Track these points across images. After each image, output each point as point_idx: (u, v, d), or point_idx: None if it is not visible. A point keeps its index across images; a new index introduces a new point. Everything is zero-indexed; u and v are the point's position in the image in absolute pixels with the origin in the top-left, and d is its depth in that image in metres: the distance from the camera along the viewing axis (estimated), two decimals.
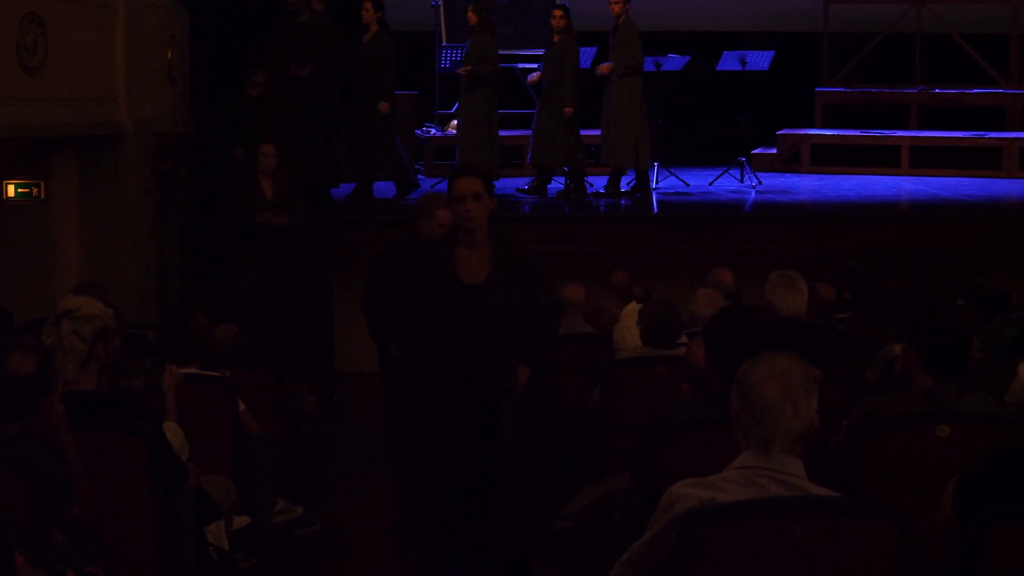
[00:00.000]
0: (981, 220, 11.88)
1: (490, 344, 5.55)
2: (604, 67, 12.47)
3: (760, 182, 13.56)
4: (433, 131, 14.43)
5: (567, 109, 12.25)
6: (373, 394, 8.67)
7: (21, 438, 4.42)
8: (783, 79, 14.56)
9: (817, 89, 15.64)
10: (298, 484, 7.40)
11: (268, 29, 11.43)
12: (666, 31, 15.25)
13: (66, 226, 9.92)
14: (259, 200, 9.47)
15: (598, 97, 12.69)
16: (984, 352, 6.42)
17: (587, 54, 13.03)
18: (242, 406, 6.45)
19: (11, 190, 9.64)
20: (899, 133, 14.98)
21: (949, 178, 14.14)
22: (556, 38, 12.39)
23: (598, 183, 12.88)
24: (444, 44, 13.81)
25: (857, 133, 15.03)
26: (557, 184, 12.87)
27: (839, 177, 14.33)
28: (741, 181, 13.57)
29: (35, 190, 9.71)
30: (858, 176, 14.33)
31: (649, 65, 13.04)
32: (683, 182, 13.42)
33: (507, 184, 12.77)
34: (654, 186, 13.13)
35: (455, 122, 13.18)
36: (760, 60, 13.55)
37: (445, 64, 13.54)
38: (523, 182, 12.87)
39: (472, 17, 12.15)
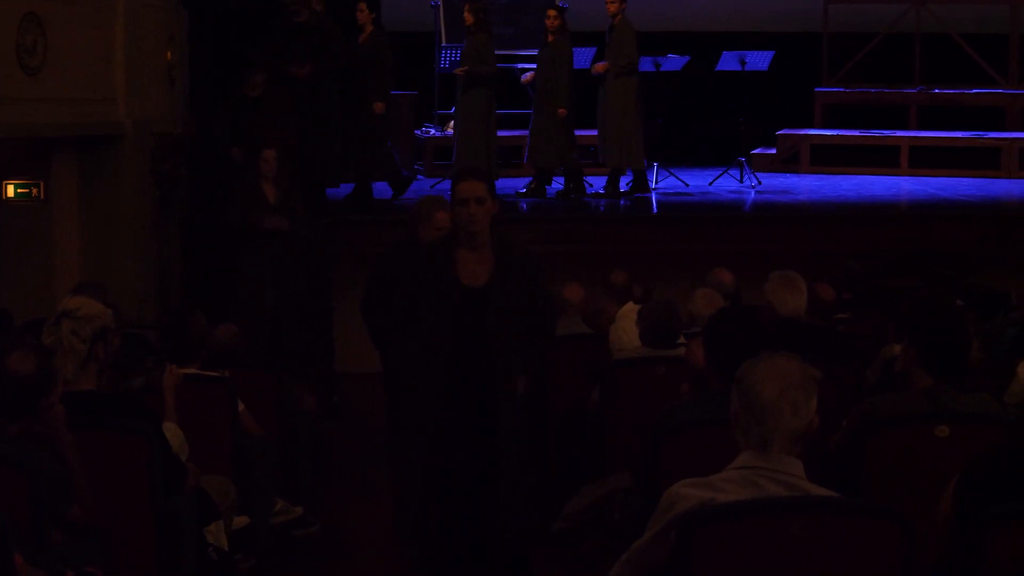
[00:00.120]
0: (980, 220, 11.88)
1: (491, 345, 5.54)
2: (599, 66, 12.47)
3: (759, 182, 13.56)
4: (432, 131, 14.43)
5: (560, 110, 12.25)
6: (373, 394, 8.67)
7: (21, 438, 4.42)
8: (782, 79, 14.55)
9: (816, 89, 15.64)
10: (297, 484, 7.40)
11: (266, 29, 11.43)
12: (665, 31, 15.26)
13: (66, 226, 9.92)
14: (261, 204, 9.45)
15: (595, 97, 12.68)
16: (984, 352, 6.42)
17: (587, 54, 13.03)
18: (242, 406, 6.45)
19: (11, 190, 9.64)
20: (898, 133, 14.99)
21: (948, 178, 14.14)
22: (550, 38, 12.41)
23: (597, 183, 12.88)
24: (444, 44, 13.82)
25: (856, 133, 15.03)
26: (557, 184, 12.88)
27: (838, 177, 14.34)
28: (741, 181, 13.57)
29: (35, 190, 9.70)
30: (857, 176, 14.33)
31: (648, 65, 13.04)
32: (683, 182, 13.42)
33: (506, 184, 12.77)
34: (653, 186, 13.14)
35: (454, 123, 13.19)
36: (759, 60, 13.55)
37: (444, 64, 13.55)
38: (522, 182, 12.87)
39: (468, 17, 12.16)
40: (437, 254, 5.67)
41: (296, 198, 9.66)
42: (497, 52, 13.26)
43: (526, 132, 12.88)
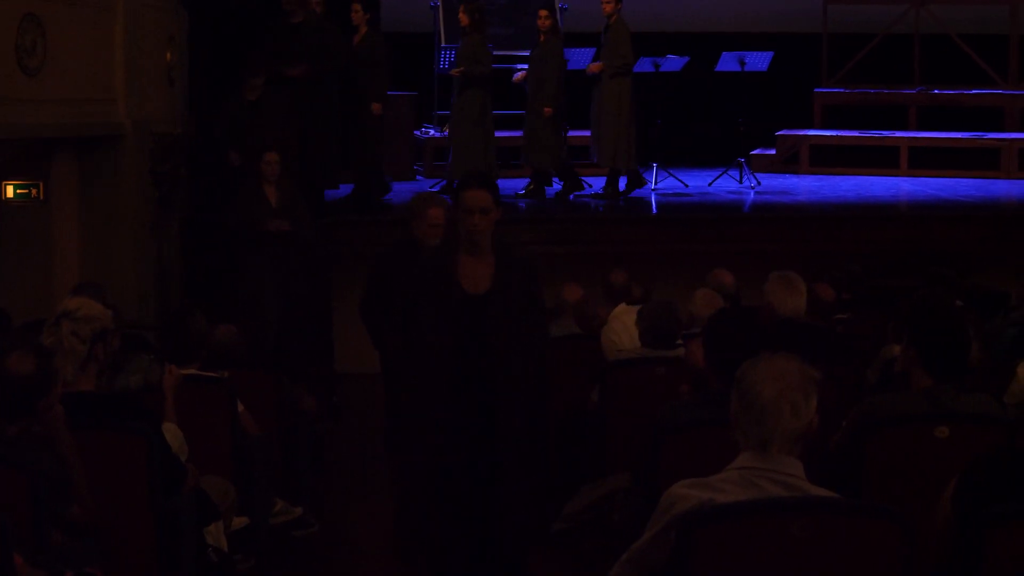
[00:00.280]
0: (980, 221, 11.89)
1: (491, 349, 5.52)
2: (595, 66, 12.47)
3: (759, 183, 13.56)
4: (432, 132, 14.43)
5: (546, 109, 12.26)
6: (372, 395, 8.66)
7: (20, 439, 4.42)
8: (782, 80, 14.56)
9: (816, 90, 15.64)
10: (297, 485, 7.40)
11: (264, 30, 11.42)
12: (665, 32, 15.27)
13: (65, 227, 9.91)
14: (263, 207, 9.44)
15: (592, 97, 12.68)
16: (983, 352, 6.41)
17: (586, 54, 13.03)
18: (241, 407, 6.45)
19: (10, 191, 9.63)
20: (898, 134, 14.98)
21: (948, 179, 14.14)
22: (542, 38, 12.42)
23: (597, 184, 12.87)
24: (443, 45, 13.82)
25: (856, 134, 15.03)
26: (557, 185, 12.88)
27: (838, 178, 14.34)
28: (740, 182, 13.57)
29: (34, 191, 9.69)
30: (857, 177, 14.33)
31: (648, 66, 13.04)
32: (682, 183, 13.42)
33: (506, 185, 12.74)
34: (653, 187, 13.14)
35: (449, 124, 13.19)
36: (759, 61, 13.55)
37: (444, 65, 13.55)
38: (522, 183, 12.86)
39: (463, 18, 12.17)
40: (439, 260, 5.64)
41: (298, 200, 9.66)
42: (496, 52, 13.27)
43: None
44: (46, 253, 9.89)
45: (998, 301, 8.20)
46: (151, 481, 4.92)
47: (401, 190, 13.10)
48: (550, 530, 6.55)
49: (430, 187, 12.82)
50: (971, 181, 13.97)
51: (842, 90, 15.69)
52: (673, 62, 13.27)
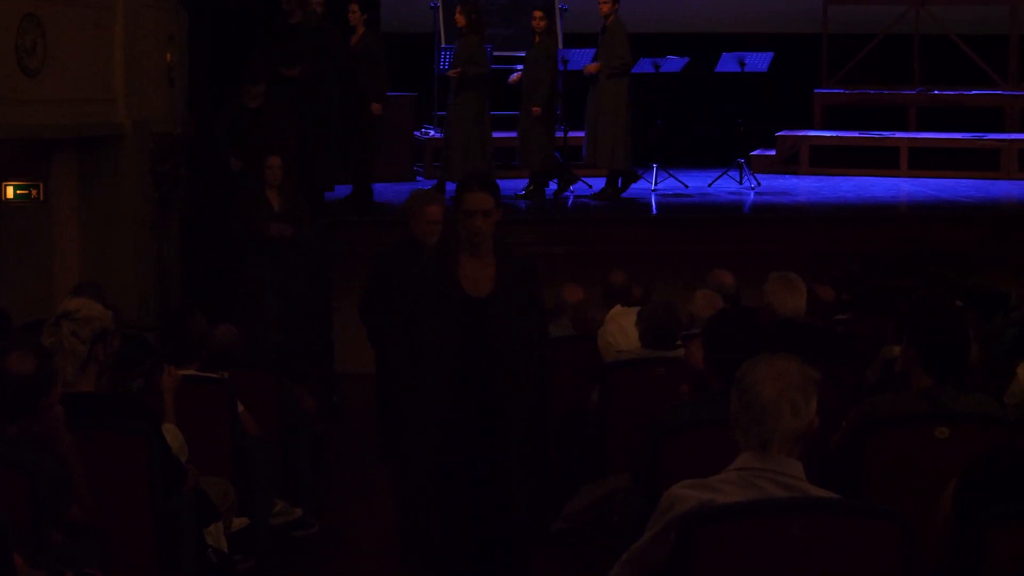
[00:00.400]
0: (980, 221, 11.89)
1: (493, 351, 5.51)
2: (592, 67, 12.47)
3: (759, 183, 13.56)
4: (432, 132, 14.43)
5: (535, 108, 12.26)
6: (372, 395, 8.66)
7: (20, 439, 4.42)
8: (782, 80, 14.56)
9: (816, 90, 15.65)
10: (297, 485, 7.39)
11: (261, 31, 11.40)
12: (665, 33, 15.27)
13: (65, 227, 9.91)
14: (266, 212, 9.42)
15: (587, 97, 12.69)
16: (983, 353, 6.41)
17: (587, 55, 13.02)
18: (241, 407, 6.44)
19: (10, 191, 9.62)
20: (898, 134, 14.99)
21: (948, 179, 14.14)
22: (536, 39, 12.42)
23: (596, 184, 12.87)
24: (443, 46, 13.83)
25: (856, 134, 15.03)
26: (556, 185, 12.89)
27: (838, 178, 14.34)
28: (740, 182, 13.57)
29: (34, 191, 9.69)
30: (857, 177, 14.33)
31: (648, 67, 13.05)
32: (682, 183, 13.42)
33: (505, 186, 12.72)
34: (653, 187, 13.15)
35: (445, 125, 13.19)
36: (759, 61, 13.55)
37: (444, 66, 13.55)
38: (518, 183, 12.86)
39: (460, 19, 12.19)
40: (439, 262, 5.62)
41: (300, 205, 9.63)
42: (496, 53, 13.30)
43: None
44: (46, 253, 9.88)
45: (998, 301, 8.20)
46: (151, 482, 4.92)
47: (401, 191, 13.10)
48: (550, 530, 6.55)
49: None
50: (971, 182, 13.97)
51: (842, 91, 15.70)
52: (673, 63, 13.27)
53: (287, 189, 9.57)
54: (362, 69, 11.81)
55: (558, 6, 14.53)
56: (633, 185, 13.36)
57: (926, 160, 14.61)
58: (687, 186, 13.39)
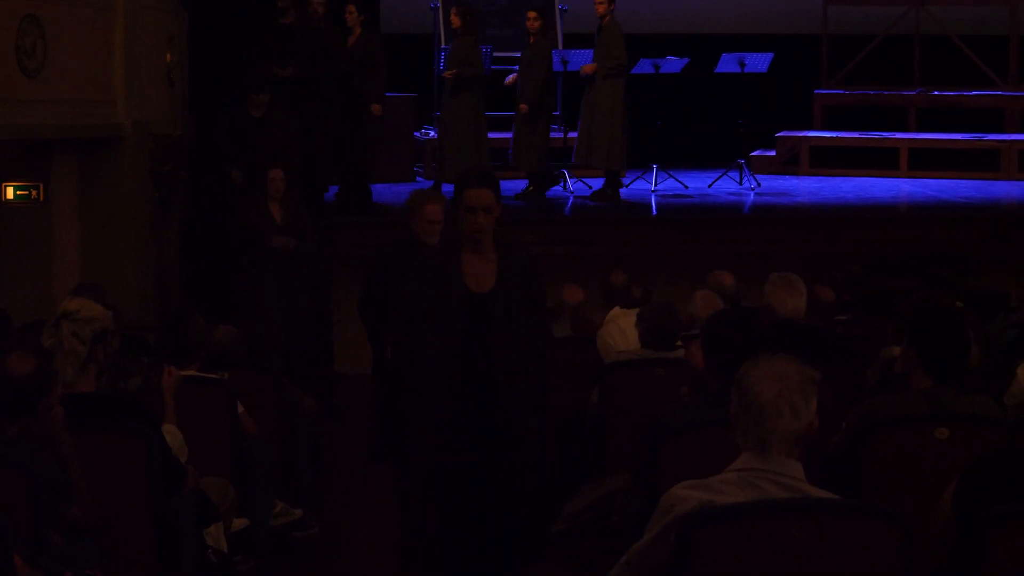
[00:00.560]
0: (980, 222, 11.89)
1: (495, 348, 5.49)
2: (588, 67, 12.47)
3: (759, 184, 13.56)
4: (432, 133, 14.42)
5: (522, 106, 12.26)
6: (371, 396, 8.66)
7: (20, 439, 4.42)
8: (782, 81, 14.56)
9: (816, 91, 15.65)
10: (297, 486, 7.39)
11: (255, 30, 11.36)
12: (665, 33, 15.27)
13: (65, 228, 9.91)
14: (268, 225, 9.39)
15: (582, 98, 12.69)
16: (983, 354, 6.42)
17: (587, 56, 13.02)
18: (241, 408, 6.44)
19: (10, 192, 9.63)
20: (898, 135, 14.99)
21: (948, 180, 14.15)
22: (531, 39, 12.43)
23: (596, 185, 12.87)
24: (443, 46, 13.81)
25: (856, 135, 15.04)
26: (556, 186, 12.90)
27: (838, 179, 14.34)
28: (740, 183, 13.57)
29: (34, 192, 9.70)
30: (857, 178, 14.34)
31: (648, 67, 13.05)
32: (682, 184, 13.43)
33: (504, 187, 12.73)
34: (653, 188, 13.16)
35: (441, 126, 13.18)
36: (759, 62, 13.55)
37: (444, 67, 13.54)
38: (514, 183, 12.86)
39: (455, 20, 12.21)
40: (441, 259, 5.60)
41: (303, 218, 9.58)
42: (496, 54, 13.30)
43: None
44: (46, 254, 9.89)
45: (998, 302, 8.20)
46: (151, 482, 4.92)
47: (401, 191, 13.10)
48: (550, 530, 6.54)
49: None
50: (971, 182, 13.98)
51: (842, 91, 15.70)
52: (673, 63, 13.27)
53: (289, 201, 9.51)
54: (360, 70, 11.81)
55: (558, 7, 14.53)
56: (633, 185, 13.38)
57: (926, 161, 14.61)
58: (687, 187, 13.39)
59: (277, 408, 7.12)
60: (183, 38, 11.12)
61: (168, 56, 10.61)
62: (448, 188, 12.15)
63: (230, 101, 10.87)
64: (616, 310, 7.52)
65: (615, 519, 5.86)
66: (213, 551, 5.61)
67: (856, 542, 3.44)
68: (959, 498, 3.74)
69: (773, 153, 15.13)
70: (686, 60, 13.37)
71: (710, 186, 13.53)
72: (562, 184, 13.18)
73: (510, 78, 12.85)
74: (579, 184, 13.08)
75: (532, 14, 12.39)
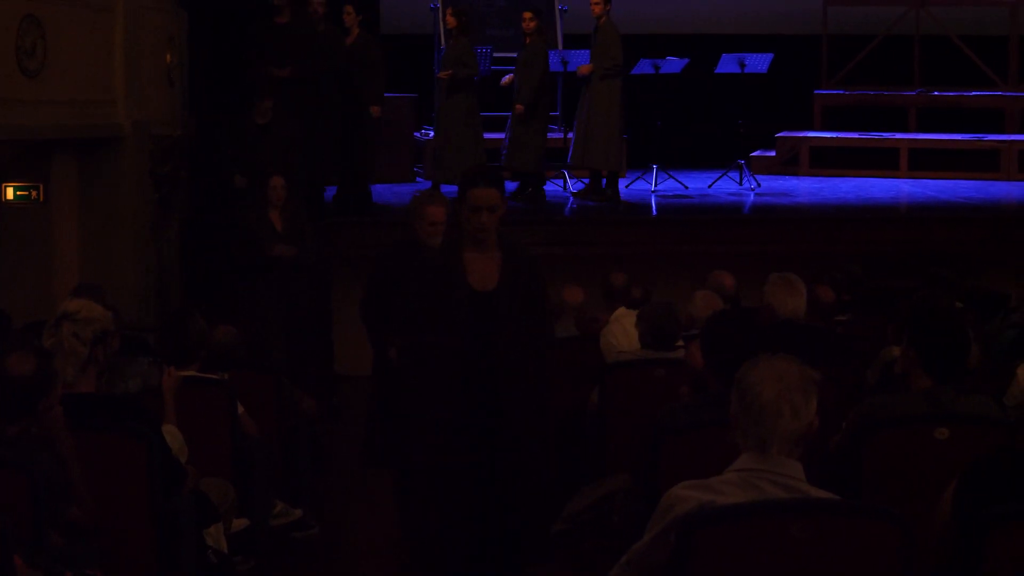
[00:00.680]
0: (980, 222, 11.89)
1: (498, 347, 5.48)
2: (584, 68, 12.46)
3: (759, 184, 13.57)
4: (432, 133, 14.42)
5: (517, 106, 12.27)
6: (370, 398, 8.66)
7: (20, 440, 4.42)
8: (782, 81, 14.57)
9: (816, 91, 15.65)
10: (297, 486, 7.39)
11: (251, 30, 11.34)
12: (665, 34, 15.28)
13: (65, 228, 9.92)
14: (268, 233, 9.36)
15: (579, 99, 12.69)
16: (983, 354, 6.42)
17: (586, 56, 13.03)
18: (241, 408, 6.44)
19: (10, 193, 9.63)
20: (898, 135, 14.99)
21: (948, 180, 14.15)
22: (527, 40, 12.43)
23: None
24: (443, 47, 13.81)
25: (856, 135, 15.04)
26: (551, 185, 12.90)
27: (838, 179, 14.34)
28: (740, 183, 13.58)
29: (34, 192, 9.70)
30: (857, 178, 14.34)
31: (648, 68, 13.05)
32: (682, 184, 13.43)
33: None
34: (652, 188, 13.16)
35: (436, 126, 13.17)
36: (759, 62, 13.56)
37: (439, 67, 13.55)
38: (509, 184, 12.86)
39: (451, 21, 12.22)
40: (444, 258, 5.59)
41: (303, 226, 9.55)
42: (496, 55, 13.30)
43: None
44: (46, 254, 9.89)
45: (998, 303, 8.20)
46: (151, 483, 4.91)
47: (401, 192, 13.12)
48: (550, 530, 6.53)
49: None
50: (971, 183, 13.98)
51: (842, 92, 15.70)
52: (673, 64, 13.28)
53: (290, 209, 9.49)
54: (358, 70, 11.81)
55: (558, 7, 14.54)
56: (633, 185, 13.39)
57: (926, 161, 14.61)
58: (687, 187, 13.39)
59: (277, 408, 7.12)
60: (183, 38, 11.12)
61: (168, 56, 10.61)
62: (447, 189, 12.17)
63: (233, 104, 10.86)
64: (621, 310, 7.51)
65: (615, 519, 5.86)
66: (213, 551, 5.61)
67: (856, 542, 3.44)
68: (959, 498, 3.74)
69: (773, 153, 15.13)
70: (686, 60, 13.37)
71: (710, 186, 13.53)
72: (562, 184, 13.18)
73: (506, 78, 12.85)
74: (579, 184, 13.08)
75: (527, 14, 12.39)
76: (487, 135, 12.82)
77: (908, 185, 14.12)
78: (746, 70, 13.53)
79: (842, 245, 11.41)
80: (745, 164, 13.75)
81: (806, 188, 13.90)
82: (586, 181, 12.95)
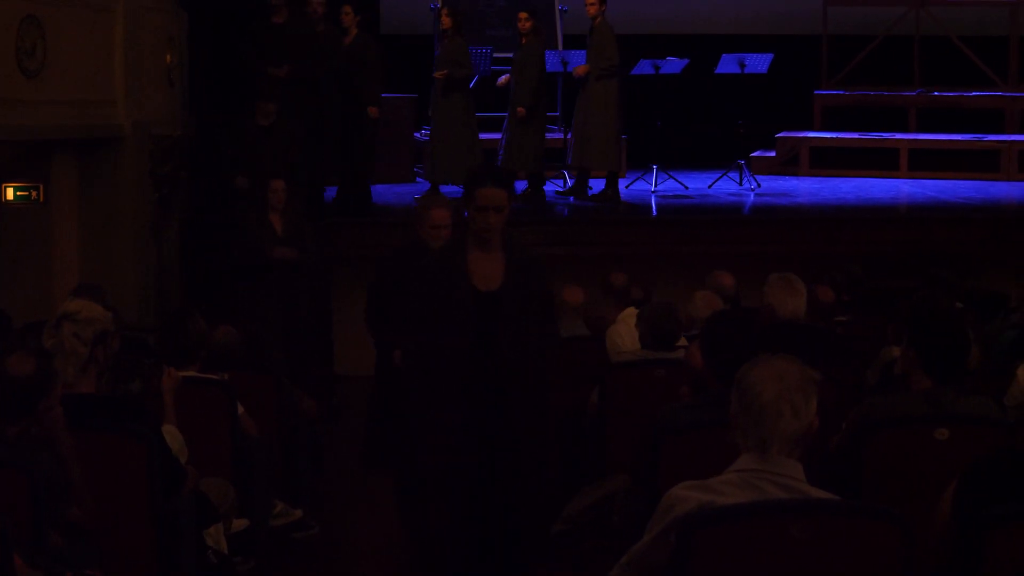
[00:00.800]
0: (980, 223, 11.89)
1: (503, 348, 5.47)
2: (580, 69, 12.46)
3: (759, 185, 13.57)
4: None
5: (519, 109, 12.26)
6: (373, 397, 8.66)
7: (20, 440, 4.42)
8: (782, 82, 14.56)
9: (816, 92, 15.65)
10: (297, 487, 7.39)
11: (248, 31, 11.34)
12: (665, 34, 15.28)
13: (65, 229, 9.92)
14: (269, 236, 9.36)
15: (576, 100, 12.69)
16: (983, 354, 6.42)
17: (583, 57, 13.03)
18: (241, 409, 6.45)
19: (10, 193, 9.64)
20: (898, 136, 14.99)
21: (948, 181, 14.15)
22: (523, 40, 12.43)
23: (596, 186, 12.87)
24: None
25: (856, 136, 15.04)
26: (554, 186, 12.90)
27: (838, 180, 14.34)
28: (740, 184, 13.58)
29: (34, 193, 9.70)
30: (857, 179, 14.34)
31: (648, 68, 13.05)
32: (682, 185, 13.43)
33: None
34: (652, 189, 13.16)
35: (431, 126, 13.16)
36: (759, 63, 13.56)
37: (435, 67, 13.54)
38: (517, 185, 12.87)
39: (446, 21, 12.22)
40: (450, 260, 5.57)
41: (304, 229, 9.55)
42: (495, 55, 13.30)
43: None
44: (46, 255, 9.89)
45: (997, 303, 8.21)
46: (151, 483, 4.92)
47: (401, 192, 13.12)
48: (550, 531, 6.54)
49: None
50: (971, 183, 13.98)
51: (842, 92, 15.70)
52: (673, 64, 13.28)
53: (290, 212, 9.48)
54: (356, 70, 11.81)
55: (558, 7, 14.54)
56: (633, 186, 13.39)
57: (926, 161, 14.61)
58: (687, 187, 13.39)
59: (277, 409, 7.12)
60: (183, 39, 11.12)
61: (168, 57, 10.61)
62: (446, 189, 12.18)
63: (233, 105, 10.85)
64: (630, 310, 7.50)
65: (615, 519, 5.86)
66: (213, 552, 5.61)
67: (856, 543, 3.44)
68: (959, 498, 3.74)
69: (773, 154, 15.13)
70: (686, 61, 13.37)
71: (710, 187, 13.53)
72: (562, 184, 13.18)
73: (503, 79, 12.86)
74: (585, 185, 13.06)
75: (523, 15, 12.39)
76: (485, 135, 12.83)
77: (908, 185, 14.12)
78: (746, 70, 13.53)
79: (842, 245, 11.41)
80: (745, 164, 13.75)
81: (806, 188, 13.91)
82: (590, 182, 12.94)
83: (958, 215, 12.16)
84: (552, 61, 12.89)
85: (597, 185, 12.84)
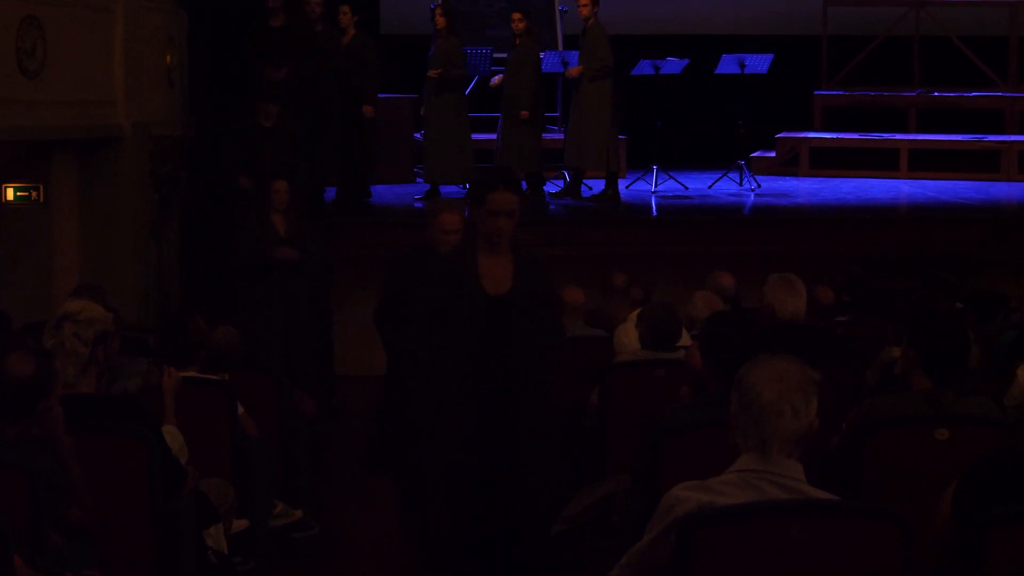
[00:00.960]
0: (980, 223, 11.89)
1: (512, 350, 5.46)
2: (574, 70, 12.45)
3: (759, 185, 13.57)
4: None
5: (523, 112, 12.26)
6: (372, 397, 8.66)
7: (20, 440, 4.42)
8: (782, 82, 14.56)
9: (816, 92, 15.64)
10: (297, 487, 7.40)
11: (246, 32, 11.33)
12: (665, 34, 15.28)
13: (65, 229, 9.92)
14: (271, 237, 9.35)
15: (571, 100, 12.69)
16: (983, 355, 6.42)
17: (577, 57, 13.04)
18: (241, 409, 6.45)
19: (10, 193, 9.64)
20: (898, 136, 14.99)
21: (948, 181, 14.15)
22: (517, 41, 12.42)
23: (596, 186, 12.88)
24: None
25: (856, 136, 15.04)
26: (554, 187, 12.89)
27: (838, 180, 14.34)
28: (740, 184, 13.58)
29: (34, 193, 9.70)
30: (857, 179, 14.34)
31: (648, 68, 13.05)
32: (682, 185, 13.43)
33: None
34: (653, 189, 13.16)
35: (424, 126, 13.15)
36: (759, 63, 13.56)
37: (429, 67, 13.54)
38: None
39: (440, 20, 12.22)
40: (457, 261, 5.56)
41: (306, 229, 9.54)
42: (495, 55, 13.31)
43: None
44: (46, 255, 9.89)
45: (997, 304, 8.20)
46: (151, 483, 4.92)
47: (401, 193, 13.12)
48: (550, 531, 6.53)
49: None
50: (971, 183, 13.98)
51: (842, 92, 15.70)
52: (673, 64, 13.28)
53: (292, 213, 9.48)
54: (356, 70, 11.81)
55: (557, 8, 14.54)
56: (633, 186, 13.39)
57: (926, 162, 14.61)
58: (687, 188, 13.39)
59: (277, 409, 7.13)
60: (183, 39, 11.12)
61: (168, 57, 10.61)
62: (446, 190, 12.19)
63: (233, 105, 10.84)
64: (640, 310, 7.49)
65: (615, 520, 5.86)
66: (213, 552, 5.61)
67: (856, 543, 3.44)
68: (959, 499, 3.74)
69: (773, 154, 15.13)
70: (686, 61, 13.38)
71: (710, 187, 13.53)
72: (562, 184, 13.18)
73: (496, 79, 12.86)
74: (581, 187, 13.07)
75: (516, 15, 12.38)
76: (480, 136, 12.82)
77: (908, 186, 14.12)
78: (746, 71, 13.53)
79: (842, 245, 11.41)
80: (745, 165, 13.75)
81: (806, 189, 13.91)
82: (587, 183, 12.93)
83: (958, 215, 12.16)
84: (552, 61, 12.89)
85: (597, 186, 12.85)
